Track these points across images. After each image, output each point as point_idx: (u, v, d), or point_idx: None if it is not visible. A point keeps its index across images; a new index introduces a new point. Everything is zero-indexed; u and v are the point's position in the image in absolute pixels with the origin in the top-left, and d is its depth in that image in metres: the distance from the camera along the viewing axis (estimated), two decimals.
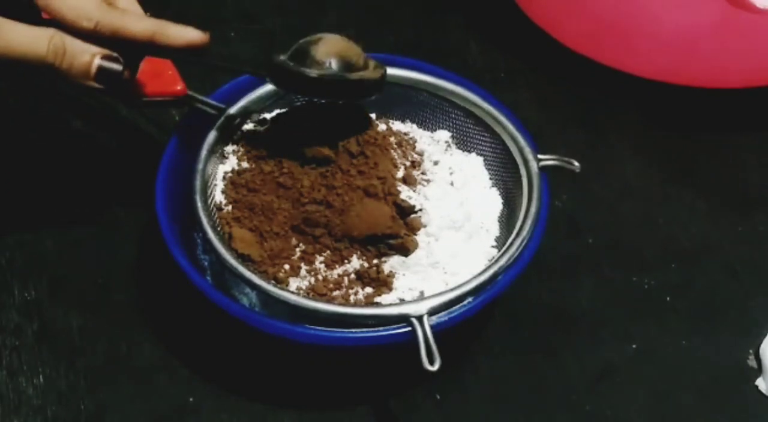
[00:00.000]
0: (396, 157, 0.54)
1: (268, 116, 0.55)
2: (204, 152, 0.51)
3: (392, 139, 0.55)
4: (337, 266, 0.50)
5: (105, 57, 0.45)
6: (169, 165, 0.52)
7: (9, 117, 0.64)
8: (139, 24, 0.46)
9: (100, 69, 0.45)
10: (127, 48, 0.46)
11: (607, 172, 0.65)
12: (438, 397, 0.53)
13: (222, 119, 0.53)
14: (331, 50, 0.49)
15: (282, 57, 0.49)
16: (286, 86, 0.50)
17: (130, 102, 0.61)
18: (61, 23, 0.45)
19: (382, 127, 0.55)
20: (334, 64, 0.49)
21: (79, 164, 0.62)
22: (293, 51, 0.49)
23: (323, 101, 0.52)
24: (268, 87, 0.54)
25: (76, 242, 0.58)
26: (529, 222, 0.50)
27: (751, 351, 0.56)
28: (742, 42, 0.68)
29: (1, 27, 0.43)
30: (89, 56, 0.45)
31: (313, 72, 0.48)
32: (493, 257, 0.51)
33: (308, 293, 0.49)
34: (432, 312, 0.46)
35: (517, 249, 0.49)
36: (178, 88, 0.53)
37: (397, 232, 0.50)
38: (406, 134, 0.56)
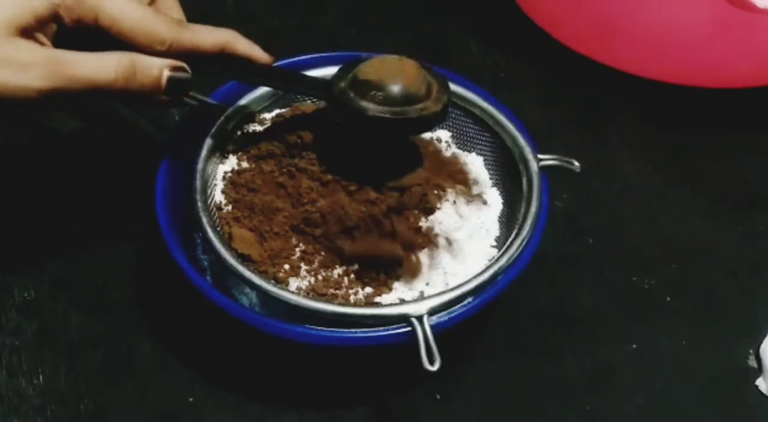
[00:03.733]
0: None
1: (268, 115, 0.55)
2: (204, 152, 0.51)
3: None
4: (337, 266, 0.50)
5: (174, 68, 0.44)
6: (169, 165, 0.52)
7: (9, 117, 0.64)
8: (209, 39, 0.46)
9: (171, 80, 0.44)
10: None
11: (607, 172, 0.65)
12: (438, 397, 0.53)
13: (222, 119, 0.53)
14: (394, 79, 0.47)
15: (342, 84, 0.48)
16: (342, 117, 0.48)
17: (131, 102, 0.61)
18: (133, 48, 0.44)
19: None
20: (396, 94, 0.47)
21: (79, 163, 0.62)
22: (353, 76, 0.48)
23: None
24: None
25: (76, 242, 0.58)
26: (529, 222, 0.50)
27: (751, 351, 0.56)
28: (742, 42, 0.68)
29: (65, 59, 0.41)
30: (157, 70, 0.44)
31: (370, 108, 0.47)
32: (493, 257, 0.51)
33: (308, 293, 0.49)
34: (432, 312, 0.46)
35: (517, 249, 0.49)
36: None
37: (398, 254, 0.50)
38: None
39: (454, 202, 0.53)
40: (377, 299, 0.49)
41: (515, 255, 0.49)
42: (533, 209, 0.51)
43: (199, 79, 0.55)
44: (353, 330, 0.47)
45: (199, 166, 0.51)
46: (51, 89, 0.41)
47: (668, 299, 0.58)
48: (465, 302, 0.48)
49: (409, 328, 0.45)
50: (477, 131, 0.56)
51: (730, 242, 0.62)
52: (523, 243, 0.49)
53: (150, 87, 0.44)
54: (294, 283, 0.49)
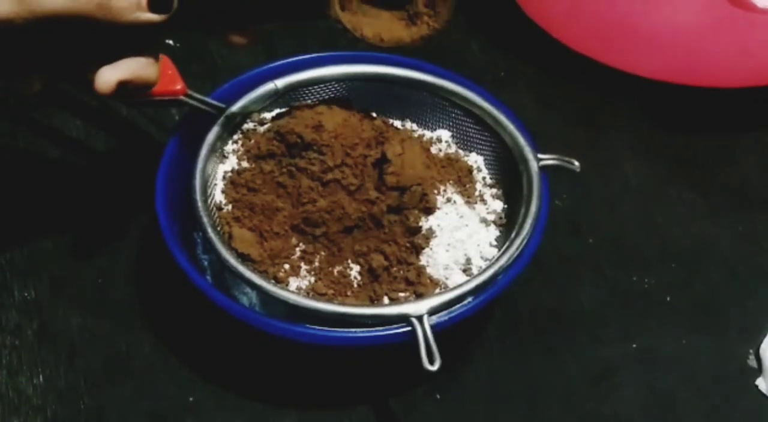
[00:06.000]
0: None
1: (268, 115, 0.55)
2: (204, 152, 0.51)
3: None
4: (337, 265, 0.50)
5: None
6: (169, 165, 0.52)
7: (9, 117, 0.64)
8: None
9: None
10: None
11: (607, 172, 0.65)
12: (438, 397, 0.53)
13: (222, 118, 0.53)
14: None
15: None
16: None
17: (130, 102, 0.61)
18: None
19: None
20: None
21: (79, 163, 0.62)
22: None
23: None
24: (268, 87, 0.54)
25: (76, 242, 0.58)
26: (529, 222, 0.50)
27: (751, 351, 0.56)
28: (742, 42, 0.68)
29: None
30: None
31: None
32: (493, 257, 0.51)
33: (308, 293, 0.49)
34: (432, 312, 0.46)
35: (517, 249, 0.49)
36: (178, 87, 0.53)
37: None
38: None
39: (454, 202, 0.53)
40: (377, 299, 0.49)
41: (515, 255, 0.49)
42: (533, 208, 0.51)
43: (198, 79, 0.55)
44: (353, 330, 0.47)
45: (199, 166, 0.51)
46: (23, 11, 0.39)
47: (668, 299, 0.58)
48: (465, 302, 0.48)
49: (409, 328, 0.45)
50: (477, 131, 0.56)
51: (730, 242, 0.62)
52: (523, 243, 0.49)
53: (131, 3, 0.41)
54: (294, 283, 0.49)
